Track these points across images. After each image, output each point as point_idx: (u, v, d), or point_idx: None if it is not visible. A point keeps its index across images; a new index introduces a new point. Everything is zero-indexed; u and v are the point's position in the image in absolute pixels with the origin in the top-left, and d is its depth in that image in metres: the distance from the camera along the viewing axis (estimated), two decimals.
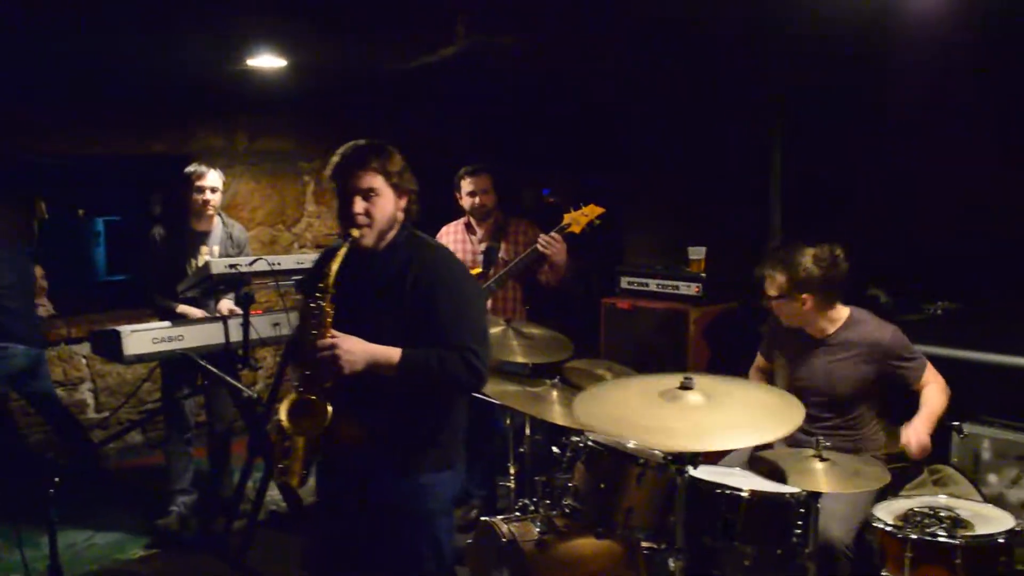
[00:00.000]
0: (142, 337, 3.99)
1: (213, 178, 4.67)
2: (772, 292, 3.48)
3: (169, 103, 6.00)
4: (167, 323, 4.17)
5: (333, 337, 2.47)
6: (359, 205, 2.55)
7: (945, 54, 4.23)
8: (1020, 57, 4.23)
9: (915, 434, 3.29)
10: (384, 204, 2.58)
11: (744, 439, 2.77)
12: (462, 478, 2.79)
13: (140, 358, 4.04)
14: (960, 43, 4.11)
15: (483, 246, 4.60)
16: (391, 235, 2.65)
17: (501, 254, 4.56)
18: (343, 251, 2.55)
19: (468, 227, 4.67)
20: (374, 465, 2.65)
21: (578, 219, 4.31)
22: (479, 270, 4.52)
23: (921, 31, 3.98)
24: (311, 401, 2.53)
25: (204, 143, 6.30)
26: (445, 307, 2.55)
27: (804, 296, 3.42)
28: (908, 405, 3.49)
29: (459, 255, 4.53)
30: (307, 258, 4.17)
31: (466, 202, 4.60)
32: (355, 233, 2.56)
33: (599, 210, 4.31)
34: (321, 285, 2.53)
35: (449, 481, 2.69)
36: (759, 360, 3.88)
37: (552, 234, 4.28)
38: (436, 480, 2.64)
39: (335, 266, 2.53)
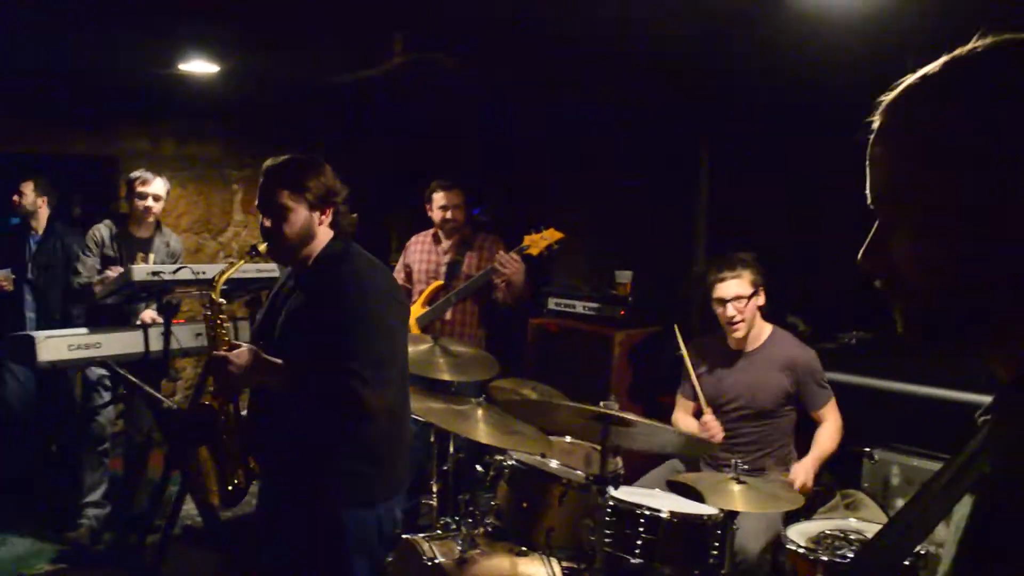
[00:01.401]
0: (57, 343, 3.88)
1: (158, 186, 4.60)
2: (744, 291, 3.56)
3: (93, 103, 5.85)
4: (83, 329, 4.06)
5: (227, 349, 2.51)
6: (266, 221, 2.58)
7: (868, 97, 4.39)
8: None
9: (803, 471, 3.46)
10: (294, 220, 2.56)
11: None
12: (394, 515, 2.67)
13: (54, 365, 3.93)
14: (874, 82, 4.28)
15: (447, 258, 4.65)
16: (316, 249, 2.63)
17: (464, 268, 4.61)
18: (239, 264, 2.66)
19: (435, 238, 4.74)
20: (285, 496, 2.62)
21: (537, 242, 4.39)
22: (441, 282, 4.59)
23: (846, 72, 4.13)
24: (206, 407, 2.57)
25: (129, 146, 6.15)
26: (338, 324, 2.49)
27: (761, 291, 3.60)
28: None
29: (424, 264, 4.68)
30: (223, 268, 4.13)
31: (436, 216, 4.67)
32: (261, 248, 2.61)
33: (558, 235, 4.40)
34: (212, 296, 2.60)
35: (371, 519, 2.57)
36: (684, 402, 3.90)
37: (511, 254, 4.35)
38: (354, 517, 2.54)
39: (222, 278, 2.63)
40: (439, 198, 4.65)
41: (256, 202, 2.63)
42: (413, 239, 4.86)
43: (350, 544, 2.53)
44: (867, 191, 0.94)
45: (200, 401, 2.64)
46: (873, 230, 0.92)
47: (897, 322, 0.92)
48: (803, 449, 3.65)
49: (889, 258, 0.90)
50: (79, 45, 4.38)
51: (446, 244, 4.71)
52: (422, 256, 4.74)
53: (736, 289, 3.56)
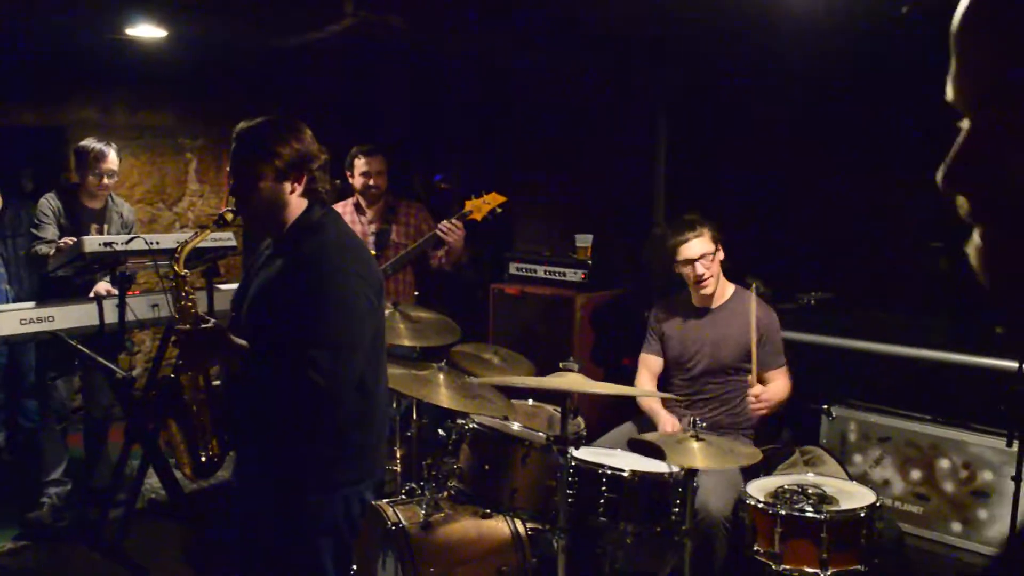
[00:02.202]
0: (8, 317, 3.80)
1: (113, 159, 4.49)
2: (708, 248, 3.62)
3: (40, 71, 5.70)
4: (32, 303, 3.98)
5: (194, 323, 2.45)
6: (234, 187, 2.48)
7: (821, 64, 4.42)
8: (887, 72, 4.47)
9: (764, 395, 3.52)
10: (261, 187, 2.41)
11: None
12: (362, 500, 2.60)
13: (6, 340, 3.86)
14: (835, 53, 4.32)
15: (374, 228, 4.56)
16: (290, 218, 2.49)
17: (393, 236, 4.53)
18: (205, 233, 2.58)
19: (357, 207, 4.61)
20: (254, 472, 2.58)
21: (479, 207, 4.31)
22: (372, 253, 4.48)
23: (799, 41, 4.15)
24: (169, 379, 2.58)
25: (78, 115, 6.01)
26: (299, 305, 2.38)
27: (720, 247, 3.65)
28: None
29: None
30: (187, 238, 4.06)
31: (358, 182, 4.54)
32: (228, 217, 2.52)
33: (501, 199, 4.32)
34: (175, 268, 2.53)
35: (339, 502, 2.51)
36: (649, 362, 3.91)
37: (453, 220, 4.26)
38: (321, 501, 2.49)
39: (187, 248, 2.53)
40: (360, 164, 4.51)
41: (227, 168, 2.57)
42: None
43: (312, 527, 2.49)
44: (951, 86, 0.73)
45: (164, 374, 2.59)
46: (965, 136, 0.72)
47: (981, 261, 0.72)
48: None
49: (989, 171, 0.70)
50: (19, 9, 4.25)
51: (371, 214, 4.59)
52: None
53: (701, 247, 3.63)
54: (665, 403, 3.74)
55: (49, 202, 4.44)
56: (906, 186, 4.57)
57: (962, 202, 0.72)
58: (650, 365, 3.90)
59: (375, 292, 2.53)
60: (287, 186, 2.45)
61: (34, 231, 4.40)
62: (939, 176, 0.73)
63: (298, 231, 2.49)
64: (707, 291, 3.68)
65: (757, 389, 3.49)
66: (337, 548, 2.54)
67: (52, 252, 4.21)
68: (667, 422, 3.66)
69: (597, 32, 4.55)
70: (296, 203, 2.49)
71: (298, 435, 2.47)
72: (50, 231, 4.37)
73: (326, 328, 2.37)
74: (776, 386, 3.65)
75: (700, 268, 3.63)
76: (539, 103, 6.09)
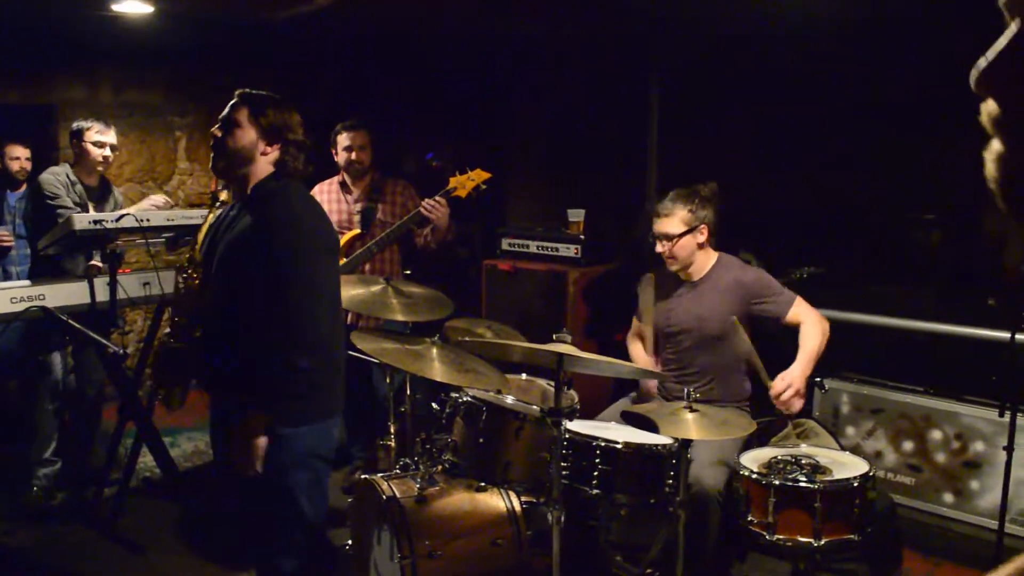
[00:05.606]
0: None
1: (113, 135, 4.47)
2: (672, 229, 3.54)
3: (26, 50, 5.64)
4: (25, 281, 3.96)
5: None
6: (217, 132, 2.67)
7: (812, 43, 4.40)
8: (881, 42, 4.45)
9: (785, 380, 3.36)
10: (240, 136, 2.65)
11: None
12: (330, 434, 2.82)
13: None
14: (826, 31, 4.30)
15: (359, 206, 4.50)
16: (252, 177, 2.69)
17: (379, 215, 4.47)
18: (210, 216, 2.74)
19: (343, 186, 4.55)
20: (234, 415, 2.68)
21: (464, 183, 4.25)
22: (357, 231, 4.44)
23: (792, 12, 4.13)
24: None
25: (65, 94, 5.96)
26: (268, 263, 2.58)
27: (702, 227, 3.57)
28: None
29: (335, 215, 4.42)
30: (178, 215, 4.04)
31: (342, 158, 4.48)
32: (221, 196, 2.74)
33: (485, 175, 4.27)
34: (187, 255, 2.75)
35: (308, 435, 2.72)
36: (635, 326, 3.97)
37: (437, 198, 4.20)
38: (293, 434, 2.67)
39: (200, 237, 2.74)
40: (343, 139, 4.45)
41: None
42: (316, 188, 4.57)
43: (289, 460, 2.68)
44: None
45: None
46: (1012, 36, 0.67)
47: (998, 169, 0.69)
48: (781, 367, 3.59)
49: None
50: None
51: (356, 192, 4.52)
52: (331, 206, 4.49)
53: (665, 227, 3.56)
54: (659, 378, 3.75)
55: (56, 176, 4.37)
56: (899, 158, 4.57)
57: (990, 108, 0.68)
58: (638, 330, 3.95)
59: (333, 256, 2.87)
60: (261, 146, 2.67)
61: (51, 203, 4.31)
62: (973, 76, 0.69)
63: (259, 196, 2.68)
64: (673, 268, 3.64)
65: (778, 388, 3.38)
66: (311, 482, 2.76)
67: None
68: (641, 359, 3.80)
69: (588, 3, 4.51)
70: (262, 165, 2.70)
71: (273, 378, 2.63)
72: (69, 200, 4.32)
73: (294, 290, 2.58)
74: (808, 328, 3.53)
75: (659, 247, 3.60)
76: (531, 78, 6.06)
